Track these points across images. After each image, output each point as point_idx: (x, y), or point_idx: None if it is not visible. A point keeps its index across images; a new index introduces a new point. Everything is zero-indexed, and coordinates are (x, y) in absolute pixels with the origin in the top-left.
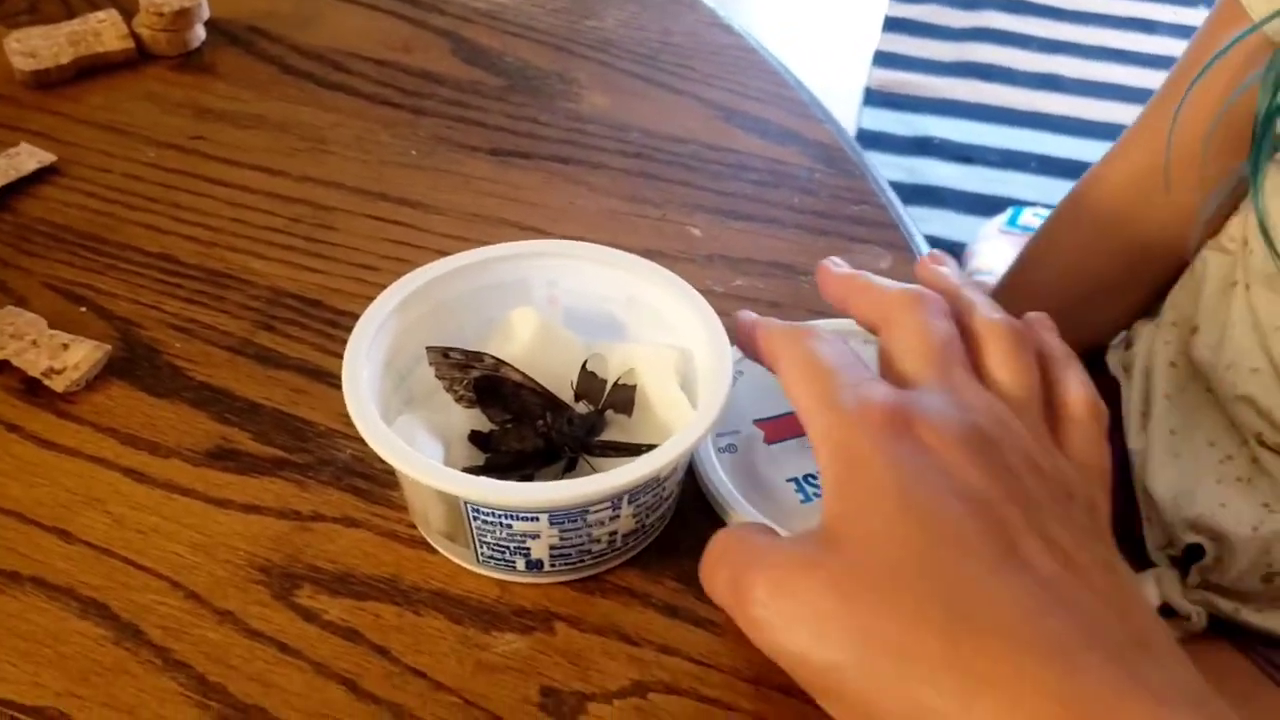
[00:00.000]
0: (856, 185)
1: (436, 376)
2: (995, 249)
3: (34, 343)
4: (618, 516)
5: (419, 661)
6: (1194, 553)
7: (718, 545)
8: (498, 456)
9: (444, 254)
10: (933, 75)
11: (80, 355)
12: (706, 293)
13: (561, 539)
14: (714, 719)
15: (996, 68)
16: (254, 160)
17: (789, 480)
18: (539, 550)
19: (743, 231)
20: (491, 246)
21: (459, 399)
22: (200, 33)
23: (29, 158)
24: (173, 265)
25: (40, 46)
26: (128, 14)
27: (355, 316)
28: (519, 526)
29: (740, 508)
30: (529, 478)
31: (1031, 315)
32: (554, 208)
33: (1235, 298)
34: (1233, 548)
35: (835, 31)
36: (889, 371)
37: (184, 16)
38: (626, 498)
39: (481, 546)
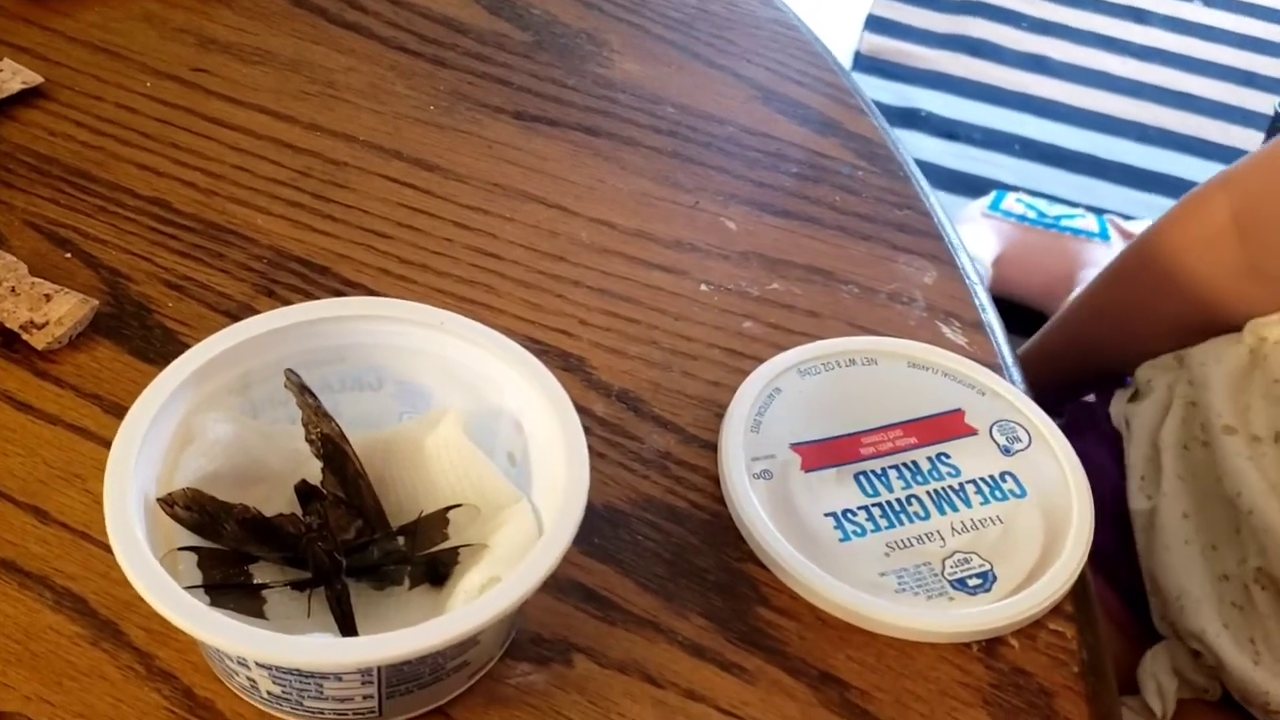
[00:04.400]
0: (900, 188)
1: (299, 406)
2: (977, 233)
3: (13, 290)
4: (372, 681)
5: None
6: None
7: None
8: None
9: (463, 227)
10: (924, 46)
11: (64, 309)
12: (741, 295)
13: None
14: None
15: (987, 44)
16: (260, 101)
17: (827, 514)
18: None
19: (780, 229)
20: (308, 305)
21: (309, 440)
22: None
23: (13, 76)
24: (168, 213)
25: None
26: None
27: (365, 289)
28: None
29: (774, 542)
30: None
31: None
32: (580, 185)
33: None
34: (1232, 675)
35: None
36: None
37: None
38: (379, 671)
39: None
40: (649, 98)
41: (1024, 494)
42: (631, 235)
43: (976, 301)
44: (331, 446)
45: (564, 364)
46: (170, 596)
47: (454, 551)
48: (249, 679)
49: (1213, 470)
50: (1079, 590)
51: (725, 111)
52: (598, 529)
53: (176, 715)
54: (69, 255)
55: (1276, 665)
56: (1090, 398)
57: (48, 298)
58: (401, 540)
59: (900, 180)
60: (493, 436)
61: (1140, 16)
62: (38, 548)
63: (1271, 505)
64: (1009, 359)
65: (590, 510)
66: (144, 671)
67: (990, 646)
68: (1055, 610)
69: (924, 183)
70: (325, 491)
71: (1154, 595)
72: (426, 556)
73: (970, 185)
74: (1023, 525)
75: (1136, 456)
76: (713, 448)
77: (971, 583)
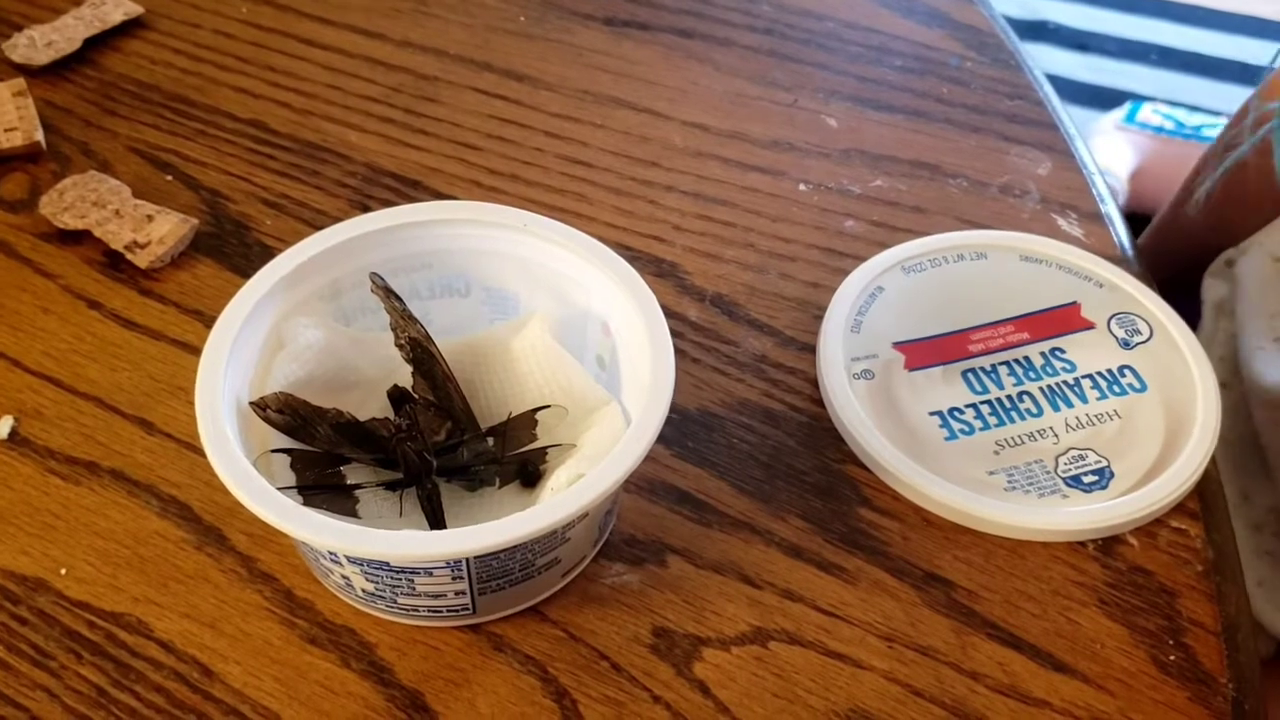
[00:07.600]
0: (1011, 77)
1: (385, 310)
2: (1111, 145)
3: (117, 212)
4: (462, 577)
5: None
6: None
7: None
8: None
9: (553, 136)
10: None
11: (166, 229)
12: (842, 193)
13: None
14: (841, 677)
15: None
16: (352, 20)
17: (932, 414)
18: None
19: (884, 124)
20: (391, 210)
21: (398, 344)
22: None
23: (115, 9)
24: (265, 134)
25: None
26: None
27: (455, 200)
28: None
29: (875, 442)
30: (351, 495)
31: None
32: (672, 88)
33: None
34: (1274, 637)
35: None
36: None
37: None
38: (468, 565)
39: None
40: None
41: (1144, 388)
42: (726, 137)
43: (1095, 192)
44: (419, 349)
45: (657, 270)
46: (253, 488)
47: (543, 451)
48: (343, 577)
49: (1244, 409)
50: (1204, 486)
51: (825, 7)
52: (691, 433)
53: (277, 615)
54: (170, 178)
55: None
56: None
57: (150, 218)
58: (491, 441)
59: (1011, 69)
60: (581, 339)
61: None
62: (144, 457)
63: None
64: (1129, 250)
65: (684, 415)
66: (246, 574)
67: (1107, 545)
68: (1178, 508)
69: (1038, 72)
70: (416, 395)
71: None
72: (516, 457)
73: (1104, 98)
74: (1142, 420)
75: None
76: (811, 350)
77: (1087, 480)
